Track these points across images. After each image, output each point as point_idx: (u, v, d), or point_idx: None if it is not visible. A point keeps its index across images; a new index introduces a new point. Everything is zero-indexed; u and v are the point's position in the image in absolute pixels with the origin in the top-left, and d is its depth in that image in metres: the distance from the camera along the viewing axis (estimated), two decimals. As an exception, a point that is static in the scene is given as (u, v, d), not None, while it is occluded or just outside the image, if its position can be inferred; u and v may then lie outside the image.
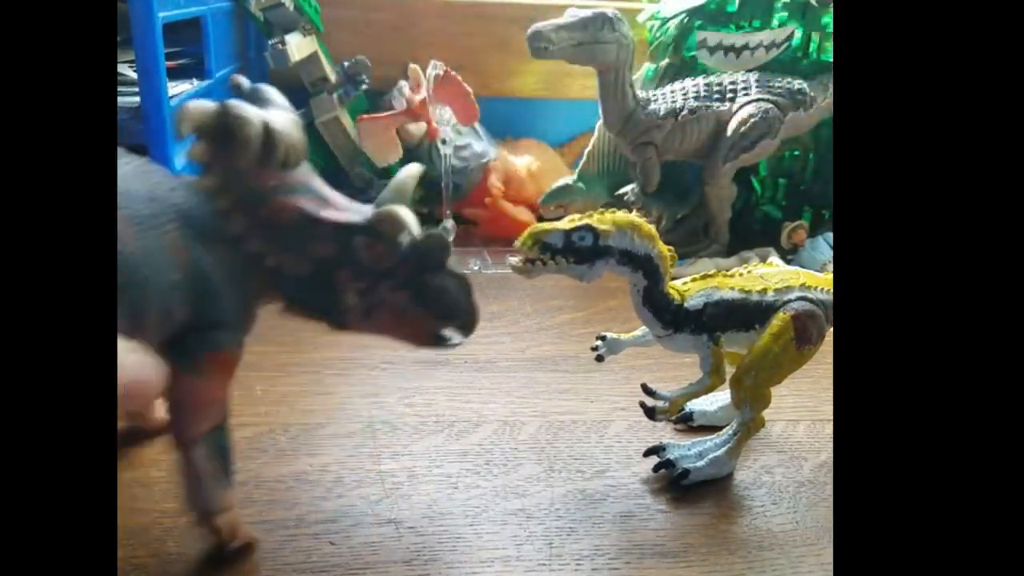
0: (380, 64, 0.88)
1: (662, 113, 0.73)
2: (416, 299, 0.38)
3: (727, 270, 0.45)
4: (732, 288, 0.43)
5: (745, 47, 0.78)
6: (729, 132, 0.74)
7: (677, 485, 0.43)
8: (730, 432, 0.45)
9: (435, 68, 0.85)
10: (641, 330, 0.47)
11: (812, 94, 0.76)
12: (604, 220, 0.40)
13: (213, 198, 0.36)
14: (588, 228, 0.39)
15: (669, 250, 0.42)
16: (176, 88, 0.55)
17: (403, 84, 0.84)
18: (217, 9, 0.69)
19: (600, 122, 0.76)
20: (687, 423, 0.50)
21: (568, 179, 0.84)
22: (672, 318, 0.42)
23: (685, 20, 0.80)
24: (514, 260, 0.40)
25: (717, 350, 0.42)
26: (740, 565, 0.38)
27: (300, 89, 0.84)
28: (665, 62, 0.83)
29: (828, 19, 0.77)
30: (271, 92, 0.39)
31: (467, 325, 0.39)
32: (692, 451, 0.45)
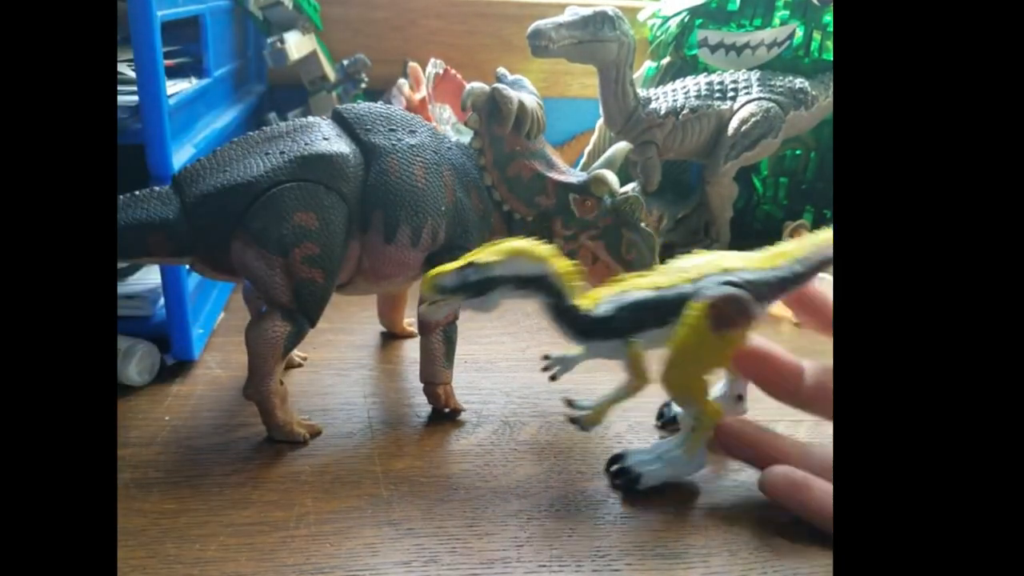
0: (380, 62, 0.88)
1: (663, 112, 0.73)
2: (610, 249, 0.51)
3: None
4: (645, 287, 0.42)
5: (746, 45, 0.78)
6: (730, 131, 0.73)
7: (682, 486, 0.43)
8: (686, 431, 0.43)
9: (435, 66, 0.85)
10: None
11: (813, 93, 0.76)
12: (488, 254, 0.41)
13: (477, 156, 0.49)
14: (472, 265, 0.41)
15: (575, 264, 0.42)
16: (174, 87, 0.55)
17: (403, 82, 0.84)
18: (216, 8, 0.68)
19: (601, 121, 0.76)
20: (673, 425, 0.49)
21: (568, 178, 0.84)
22: (583, 328, 0.42)
23: (686, 18, 0.80)
24: (421, 307, 0.42)
25: (633, 352, 0.42)
26: (741, 566, 0.37)
27: (299, 87, 0.84)
28: (666, 60, 0.83)
29: (830, 18, 0.77)
30: (525, 81, 0.52)
31: None
32: (651, 455, 0.43)
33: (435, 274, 0.41)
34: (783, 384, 0.42)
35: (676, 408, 0.49)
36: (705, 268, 0.42)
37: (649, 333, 0.42)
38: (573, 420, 0.43)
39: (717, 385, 0.48)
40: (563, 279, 0.41)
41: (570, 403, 0.44)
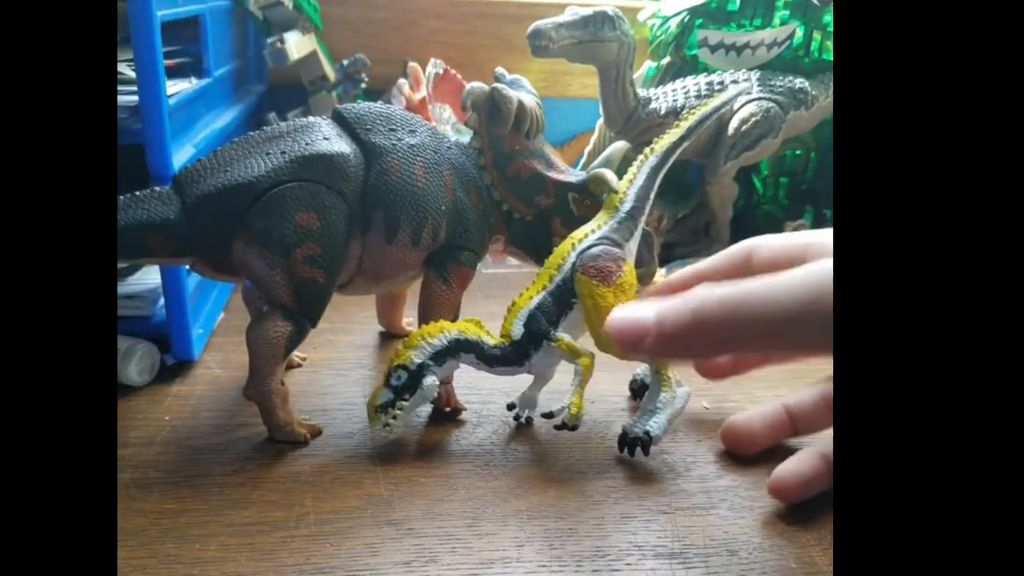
0: (379, 62, 0.88)
1: (663, 112, 0.73)
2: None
3: None
4: (531, 297, 0.46)
5: (746, 45, 0.78)
6: (730, 131, 0.73)
7: (679, 482, 0.43)
8: (653, 374, 0.46)
9: (435, 66, 0.85)
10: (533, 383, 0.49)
11: (813, 93, 0.76)
12: (398, 354, 0.43)
13: (476, 156, 0.50)
14: (394, 369, 0.43)
15: (474, 320, 0.45)
16: (174, 87, 0.55)
17: (403, 82, 0.84)
18: (216, 8, 0.68)
19: (601, 121, 0.76)
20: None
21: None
22: (514, 356, 0.45)
23: (686, 18, 0.80)
24: (380, 432, 0.44)
25: (561, 343, 0.45)
26: (741, 566, 0.37)
27: (299, 87, 0.84)
28: (666, 60, 0.82)
29: (830, 18, 0.77)
30: (524, 81, 0.52)
31: (646, 275, 0.52)
32: (641, 416, 0.46)
33: (370, 403, 0.43)
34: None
35: (639, 372, 0.53)
36: (562, 251, 0.47)
37: (564, 323, 0.46)
38: (559, 427, 0.46)
39: None
40: (470, 332, 0.45)
41: (549, 415, 0.47)
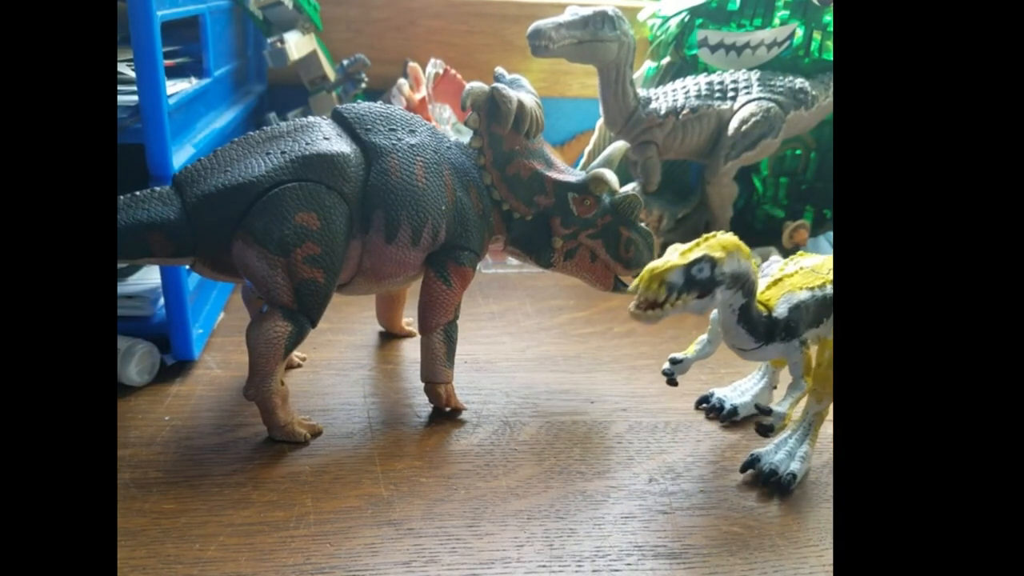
0: (380, 62, 0.88)
1: (663, 112, 0.73)
2: (608, 247, 0.51)
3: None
4: (801, 288, 0.43)
5: (746, 45, 0.77)
6: (730, 131, 0.73)
7: (679, 482, 0.43)
8: (805, 425, 0.45)
9: (435, 66, 0.85)
10: (698, 343, 0.47)
11: (814, 93, 0.76)
12: (715, 247, 0.39)
13: (476, 156, 0.49)
14: (707, 259, 0.38)
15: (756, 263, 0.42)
16: (174, 87, 0.55)
17: (403, 82, 0.84)
18: (216, 8, 0.68)
19: (601, 121, 0.76)
20: (731, 419, 0.50)
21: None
22: (764, 330, 0.42)
23: (686, 18, 0.80)
24: (634, 308, 0.38)
25: (808, 352, 0.43)
26: (741, 566, 0.37)
27: (299, 87, 0.84)
28: (666, 60, 0.82)
29: (830, 18, 0.77)
30: (523, 80, 0.52)
31: None
32: (781, 453, 0.45)
33: (659, 270, 0.37)
34: None
35: (727, 399, 0.51)
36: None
37: (810, 332, 0.43)
38: (762, 426, 0.42)
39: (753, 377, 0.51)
40: (757, 279, 0.41)
41: (764, 411, 0.43)
